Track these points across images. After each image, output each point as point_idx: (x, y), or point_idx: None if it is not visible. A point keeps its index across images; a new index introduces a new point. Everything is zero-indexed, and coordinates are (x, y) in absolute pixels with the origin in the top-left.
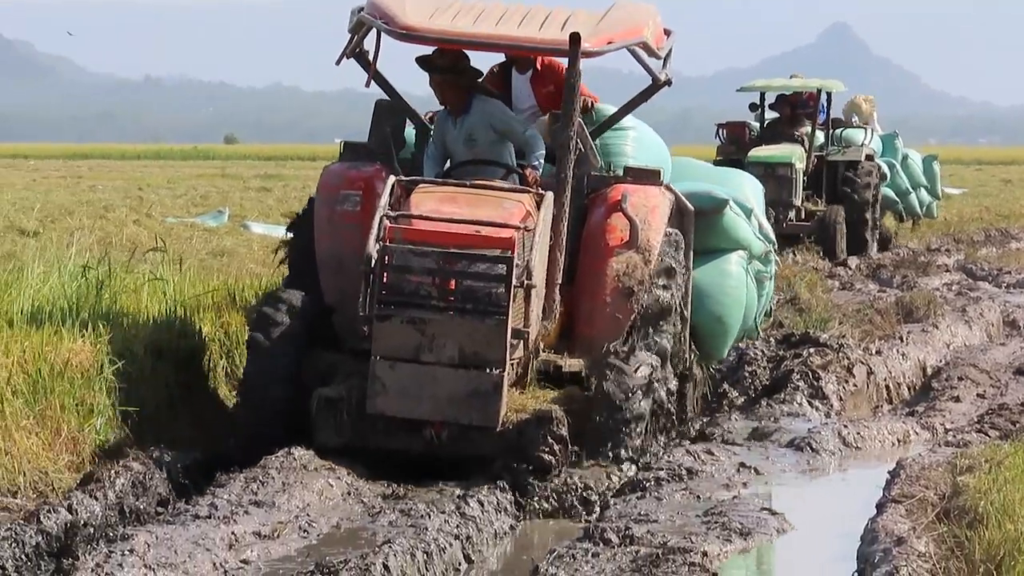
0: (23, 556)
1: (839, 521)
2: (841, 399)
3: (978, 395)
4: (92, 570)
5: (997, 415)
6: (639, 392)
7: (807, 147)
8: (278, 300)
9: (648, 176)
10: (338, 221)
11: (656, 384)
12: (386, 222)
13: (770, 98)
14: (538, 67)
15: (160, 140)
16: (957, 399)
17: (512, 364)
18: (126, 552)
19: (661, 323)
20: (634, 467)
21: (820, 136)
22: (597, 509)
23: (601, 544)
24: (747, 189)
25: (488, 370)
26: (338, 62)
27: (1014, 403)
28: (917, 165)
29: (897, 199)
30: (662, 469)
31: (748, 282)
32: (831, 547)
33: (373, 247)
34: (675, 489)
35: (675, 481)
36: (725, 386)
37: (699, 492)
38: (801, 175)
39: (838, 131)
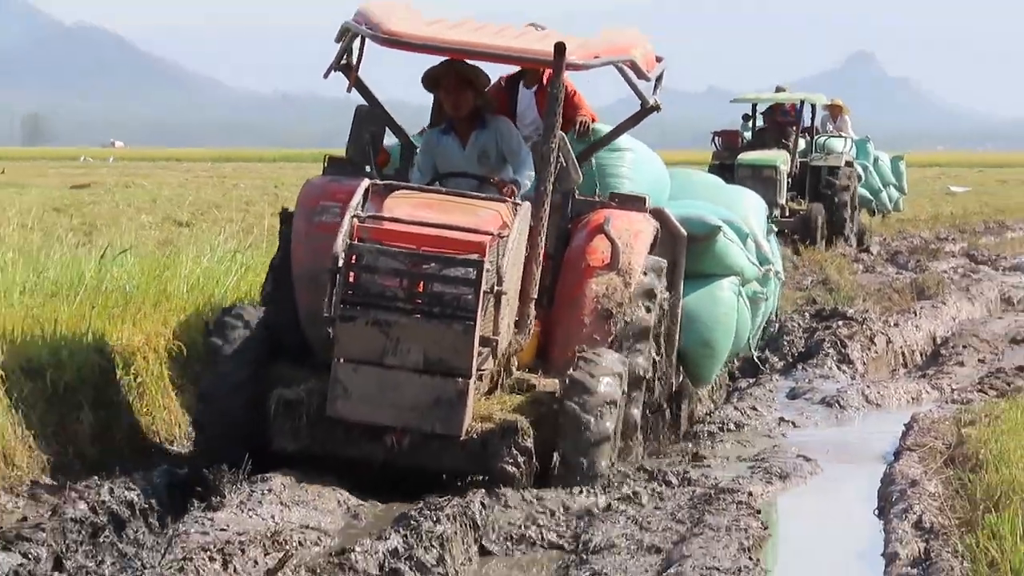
0: (177, 492)
1: (862, 466)
2: (864, 364)
3: (979, 360)
4: (237, 506)
5: (995, 377)
6: (603, 411)
7: (792, 152)
8: (237, 314)
9: (633, 202)
10: (316, 233)
11: (624, 402)
12: (355, 222)
13: (761, 108)
14: (544, 83)
15: (291, 147)
16: (961, 364)
17: (480, 375)
18: (265, 492)
19: (637, 344)
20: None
21: (802, 143)
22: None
23: (663, 485)
24: (749, 210)
25: (454, 377)
26: (326, 75)
27: (1009, 367)
28: (886, 166)
29: (871, 197)
30: (714, 423)
31: (740, 307)
32: (856, 487)
33: (341, 246)
34: (725, 439)
35: (725, 432)
36: (767, 352)
37: (745, 442)
38: (785, 177)
39: (820, 139)
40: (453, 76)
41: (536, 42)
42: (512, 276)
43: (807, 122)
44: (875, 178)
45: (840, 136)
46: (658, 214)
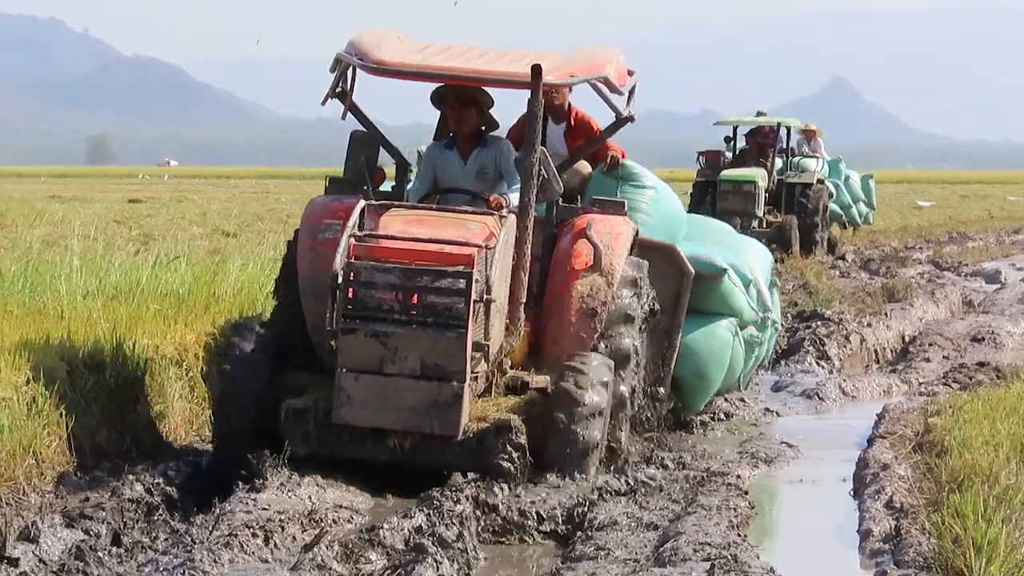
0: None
1: (839, 451)
2: (840, 360)
3: (944, 357)
4: (277, 488)
5: (958, 372)
6: (590, 422)
7: (769, 170)
8: (247, 328)
9: (613, 207)
10: (319, 249)
11: (611, 396)
12: (352, 241)
13: (742, 131)
14: (572, 122)
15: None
16: (928, 360)
17: (474, 377)
18: (303, 475)
19: (621, 328)
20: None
21: (780, 162)
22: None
23: (660, 469)
24: (754, 259)
25: (449, 381)
26: (324, 102)
27: (971, 363)
28: (857, 184)
29: (841, 212)
30: (706, 413)
31: (736, 345)
32: (833, 471)
33: (339, 264)
34: (716, 427)
35: (716, 422)
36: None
37: (734, 429)
38: (763, 192)
39: (795, 159)
40: (456, 95)
41: (514, 64)
42: (500, 284)
43: (784, 143)
44: (846, 195)
45: (814, 156)
46: (670, 250)
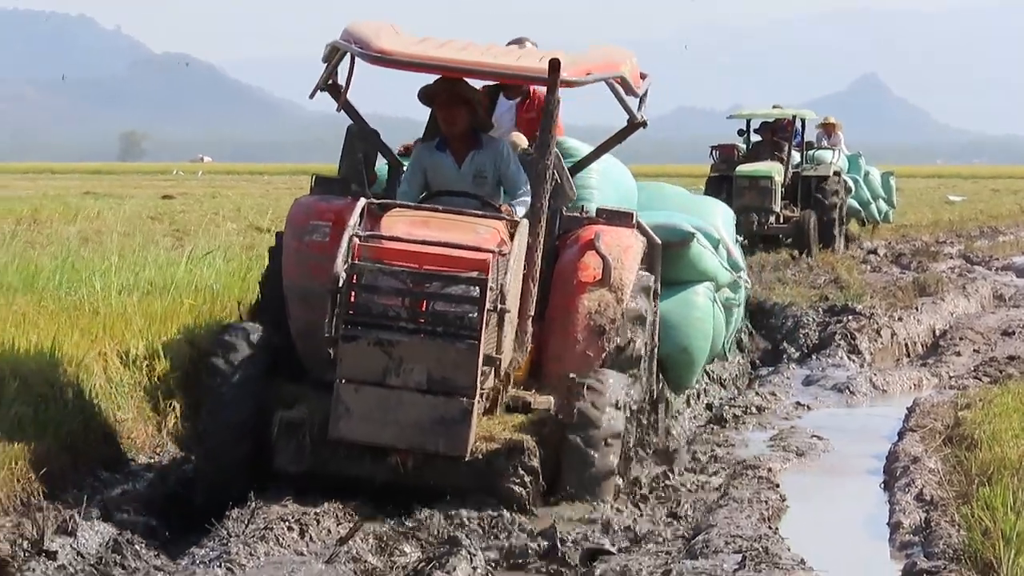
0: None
1: (870, 445)
2: (871, 354)
3: (974, 351)
4: (311, 481)
5: (988, 366)
6: (608, 446)
7: (785, 164)
8: (235, 332)
9: (621, 218)
10: (306, 251)
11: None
12: (355, 241)
13: (755, 124)
14: (530, 97)
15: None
16: (958, 353)
17: (483, 393)
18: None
19: (629, 371)
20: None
21: (796, 155)
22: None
23: (693, 461)
24: (717, 218)
25: (457, 397)
26: (312, 95)
27: (1001, 356)
28: (877, 180)
29: (860, 208)
30: (738, 407)
31: (715, 312)
32: (863, 464)
33: (341, 266)
34: (748, 421)
35: (749, 415)
36: (784, 344)
37: (766, 423)
38: (780, 187)
39: (811, 151)
40: (448, 93)
41: (529, 59)
42: (513, 295)
43: (799, 137)
44: (865, 191)
45: (831, 149)
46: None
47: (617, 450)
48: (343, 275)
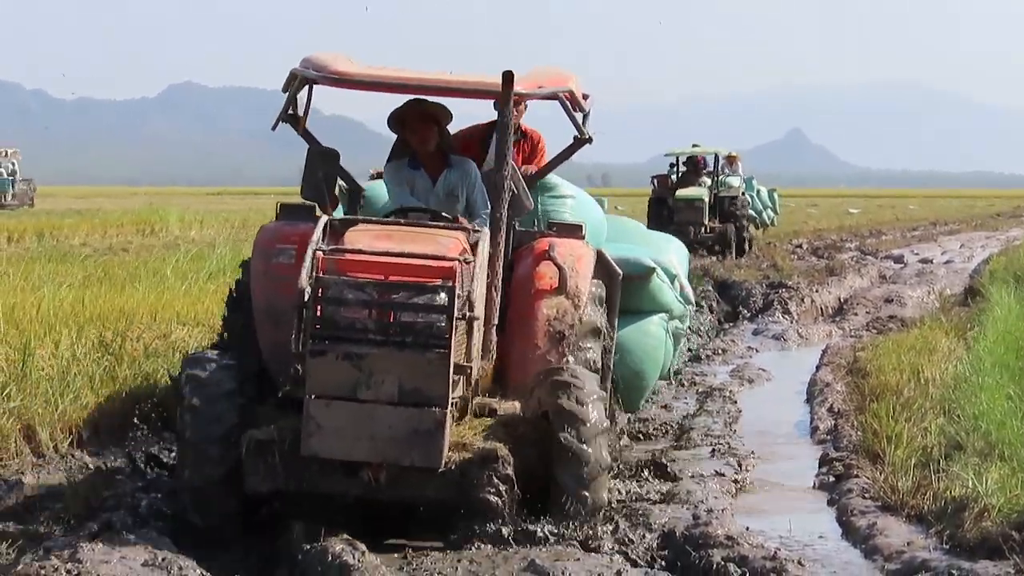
0: None
1: (797, 375)
2: (798, 314)
3: (866, 312)
4: None
5: (876, 322)
6: (599, 440)
7: (710, 188)
8: (206, 360)
9: (572, 230)
10: (273, 273)
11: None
12: (319, 255)
13: (683, 159)
14: (527, 136)
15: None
16: (856, 314)
17: (454, 402)
18: None
19: (590, 343)
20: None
21: (709, 180)
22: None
23: (677, 387)
24: (674, 254)
25: (430, 407)
26: (274, 127)
27: (884, 316)
28: (765, 196)
29: (756, 215)
30: (708, 350)
31: (667, 340)
32: (793, 387)
33: (306, 281)
34: (716, 359)
35: (716, 355)
36: (740, 307)
37: (728, 361)
38: (707, 205)
39: (722, 178)
40: (419, 113)
41: (483, 76)
42: (480, 302)
43: (710, 167)
44: (758, 203)
45: (736, 176)
46: (598, 255)
47: (606, 442)
48: (308, 289)
